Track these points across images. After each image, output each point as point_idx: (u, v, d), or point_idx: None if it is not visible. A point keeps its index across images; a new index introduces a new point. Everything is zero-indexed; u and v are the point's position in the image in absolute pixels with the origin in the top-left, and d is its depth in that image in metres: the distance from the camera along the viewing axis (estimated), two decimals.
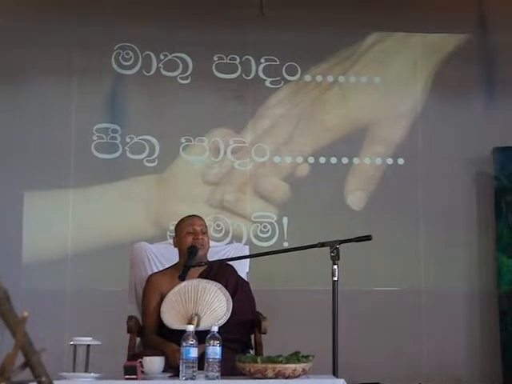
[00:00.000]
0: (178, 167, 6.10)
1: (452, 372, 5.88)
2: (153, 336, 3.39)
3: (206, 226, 3.64)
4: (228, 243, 5.19)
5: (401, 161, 6.19)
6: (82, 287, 5.71)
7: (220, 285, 3.39)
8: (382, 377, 5.66)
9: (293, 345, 3.18)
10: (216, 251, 3.91)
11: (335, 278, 3.17)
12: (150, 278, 3.57)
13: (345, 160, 6.17)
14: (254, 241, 5.94)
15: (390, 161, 6.20)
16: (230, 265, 3.63)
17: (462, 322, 6.03)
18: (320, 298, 5.41)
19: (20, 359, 1.64)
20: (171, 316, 3.31)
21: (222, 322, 3.21)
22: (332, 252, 3.19)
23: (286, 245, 5.93)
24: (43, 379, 1.63)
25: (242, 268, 3.74)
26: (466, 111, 6.20)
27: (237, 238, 5.88)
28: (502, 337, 5.83)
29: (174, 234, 3.76)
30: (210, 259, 3.66)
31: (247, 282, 3.61)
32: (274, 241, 6.04)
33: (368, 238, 3.29)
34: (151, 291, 3.50)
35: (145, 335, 3.47)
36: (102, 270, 5.74)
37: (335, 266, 3.18)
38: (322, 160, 6.17)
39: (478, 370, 5.96)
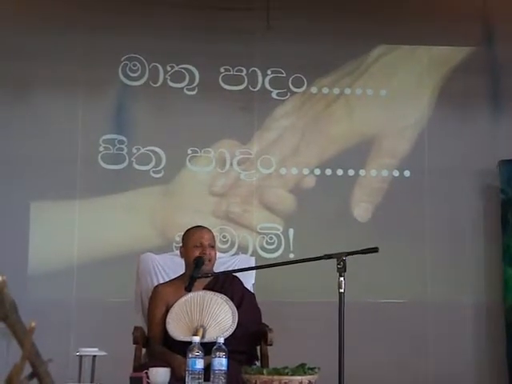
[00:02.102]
0: (184, 178, 6.11)
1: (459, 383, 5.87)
2: (158, 347, 3.39)
3: (214, 240, 3.63)
4: (234, 254, 5.19)
5: (407, 173, 6.19)
6: (88, 298, 5.71)
7: (226, 297, 3.39)
8: None
9: (299, 357, 3.17)
10: (222, 262, 3.90)
11: (341, 290, 3.15)
12: (156, 289, 3.56)
13: (351, 172, 6.17)
14: (260, 252, 5.93)
15: (396, 173, 6.20)
16: (235, 276, 3.63)
17: (467, 335, 6.01)
18: (326, 310, 5.39)
19: (27, 369, 1.64)
20: (177, 327, 3.31)
21: (228, 333, 3.21)
22: (339, 264, 3.18)
23: (291, 256, 5.92)
24: None
25: (248, 279, 3.73)
26: (472, 124, 6.20)
27: (242, 250, 5.88)
28: (508, 349, 5.81)
29: (180, 244, 3.75)
30: (215, 270, 3.65)
31: (253, 294, 3.60)
32: (279, 252, 6.03)
33: (375, 250, 3.28)
34: (157, 301, 3.50)
35: (150, 346, 3.46)
36: (107, 281, 5.73)
37: (342, 278, 3.16)
38: (328, 172, 6.17)
39: (485, 381, 5.94)
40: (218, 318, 3.29)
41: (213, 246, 3.57)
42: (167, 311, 3.40)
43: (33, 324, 1.64)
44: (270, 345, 3.43)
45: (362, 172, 6.19)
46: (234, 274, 3.62)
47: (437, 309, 5.98)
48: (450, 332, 5.95)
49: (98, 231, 5.94)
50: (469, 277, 6.07)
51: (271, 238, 6.08)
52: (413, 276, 6.03)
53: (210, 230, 3.67)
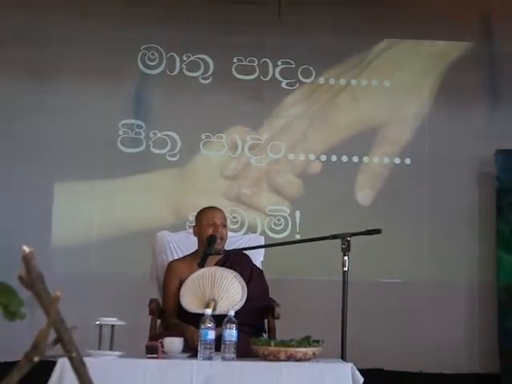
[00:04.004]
0: (197, 162, 6.12)
1: (451, 360, 5.87)
2: (172, 319, 3.40)
3: (225, 219, 3.63)
4: (243, 234, 5.20)
5: (408, 161, 6.18)
6: (106, 272, 5.75)
7: (236, 273, 3.40)
8: (384, 363, 5.66)
9: (303, 330, 3.19)
10: (233, 241, 3.91)
11: (345, 269, 3.16)
12: (171, 264, 3.57)
13: (355, 159, 6.16)
14: (268, 233, 5.93)
15: (397, 160, 6.18)
16: (245, 254, 3.63)
17: (462, 313, 6.01)
18: (329, 288, 5.43)
19: (52, 335, 1.64)
20: (190, 300, 3.32)
21: (238, 307, 3.22)
22: (343, 244, 3.18)
23: (297, 237, 5.92)
24: (74, 355, 1.64)
25: (257, 257, 3.74)
26: (471, 115, 6.18)
27: (252, 230, 5.89)
28: (499, 327, 5.81)
29: (194, 224, 3.75)
30: (227, 249, 3.66)
31: (261, 270, 3.61)
32: (286, 233, 6.04)
33: (378, 231, 3.28)
34: (171, 276, 3.51)
35: (165, 318, 3.48)
36: (124, 256, 5.76)
37: (346, 257, 3.17)
38: (334, 158, 6.16)
39: (477, 359, 5.94)
40: (229, 292, 3.31)
41: (225, 225, 3.58)
42: (181, 285, 3.41)
43: (58, 293, 1.65)
44: (277, 318, 3.44)
45: (365, 159, 6.18)
46: (244, 252, 3.62)
47: (433, 288, 5.98)
48: (444, 310, 5.95)
49: (117, 210, 5.97)
50: (464, 259, 6.07)
51: (279, 220, 6.08)
52: (411, 257, 6.04)
53: (221, 210, 3.67)
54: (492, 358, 5.83)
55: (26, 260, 1.63)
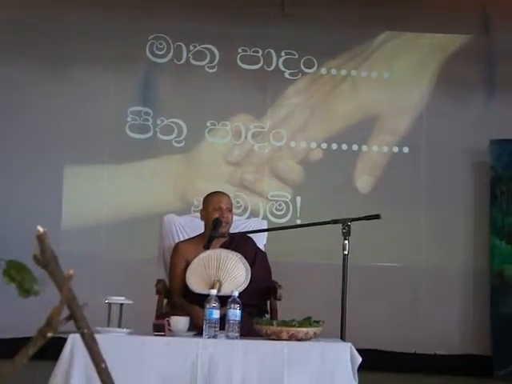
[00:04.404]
0: (203, 148, 6.11)
1: (445, 341, 5.88)
2: (179, 299, 3.40)
3: (231, 204, 3.61)
4: (246, 218, 5.19)
5: (405, 149, 6.17)
6: (114, 253, 5.76)
7: (240, 255, 3.39)
8: (381, 343, 5.67)
9: (303, 312, 3.18)
10: (237, 225, 3.90)
11: (346, 252, 3.15)
12: (178, 246, 3.56)
13: (354, 147, 6.15)
14: (270, 217, 5.93)
15: (395, 149, 6.17)
16: (249, 237, 3.62)
17: (456, 297, 6.01)
18: (328, 271, 5.44)
19: (65, 312, 1.64)
20: (195, 281, 3.31)
21: (242, 288, 3.21)
22: (344, 229, 3.17)
23: (298, 222, 5.93)
24: (85, 331, 1.64)
25: (261, 241, 3.73)
26: (467, 106, 6.15)
27: (254, 214, 5.89)
28: (492, 311, 5.82)
29: (201, 207, 3.74)
30: (231, 232, 3.64)
31: (265, 253, 3.59)
32: (287, 218, 6.04)
33: (377, 216, 3.27)
34: (178, 258, 3.49)
35: (171, 297, 3.47)
36: (132, 238, 5.78)
37: (346, 242, 3.16)
38: (334, 146, 6.15)
39: (470, 341, 5.95)
40: (233, 273, 3.30)
41: (230, 210, 3.56)
42: (187, 266, 3.41)
43: (71, 272, 1.64)
44: (279, 300, 3.44)
45: (364, 147, 6.17)
46: (248, 235, 3.61)
47: (429, 272, 5.98)
48: (439, 294, 5.96)
49: (124, 193, 5.98)
50: (459, 245, 6.07)
51: (280, 205, 6.08)
52: (408, 242, 6.04)
53: (228, 195, 3.65)
54: (484, 340, 5.85)
55: (41, 240, 1.63)
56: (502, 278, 5.80)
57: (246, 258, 3.38)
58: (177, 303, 3.39)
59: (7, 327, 5.29)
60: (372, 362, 2.80)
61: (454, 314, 5.96)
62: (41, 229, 1.61)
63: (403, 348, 5.81)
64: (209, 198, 3.59)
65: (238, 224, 3.95)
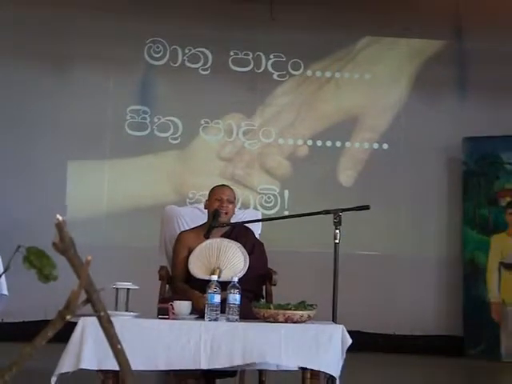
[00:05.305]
0: (197, 145, 6.06)
1: (422, 323, 5.88)
2: (181, 284, 3.34)
3: (233, 197, 3.53)
4: (238, 209, 5.13)
5: (385, 146, 6.15)
6: (115, 243, 5.70)
7: (239, 244, 3.34)
8: (362, 326, 5.64)
9: (295, 296, 3.13)
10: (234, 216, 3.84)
11: (337, 241, 3.11)
12: (181, 235, 3.49)
13: (338, 143, 6.13)
14: (259, 209, 5.88)
15: (376, 145, 6.16)
16: (249, 228, 3.56)
17: (431, 283, 6.02)
18: (314, 259, 5.42)
19: (82, 296, 1.59)
20: (197, 267, 3.26)
21: (241, 275, 3.16)
22: (335, 218, 3.12)
23: (286, 213, 5.90)
24: (102, 314, 1.59)
25: (256, 230, 3.67)
26: (442, 106, 6.16)
27: (245, 206, 5.84)
28: (464, 295, 5.83)
29: (206, 198, 3.68)
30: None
31: (262, 243, 3.53)
32: (276, 209, 6.01)
33: (367, 207, 3.23)
34: (181, 245, 3.43)
35: (174, 283, 3.42)
36: (131, 229, 5.74)
37: (337, 231, 3.11)
38: (319, 143, 6.13)
39: (443, 322, 5.96)
40: (233, 261, 3.25)
41: (231, 202, 3.48)
42: (189, 254, 3.35)
43: (89, 257, 1.60)
44: (274, 285, 3.39)
45: (347, 144, 6.15)
46: (247, 226, 3.55)
47: (407, 260, 5.98)
48: (416, 280, 5.95)
49: (124, 187, 5.93)
50: (434, 235, 6.07)
51: (269, 198, 6.05)
52: (388, 232, 6.03)
53: (230, 188, 3.58)
54: (457, 321, 5.85)
55: (59, 228, 1.58)
56: (473, 265, 5.80)
57: (244, 247, 3.32)
58: (179, 288, 3.33)
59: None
60: (354, 342, 2.77)
61: (429, 298, 5.97)
62: (60, 217, 1.56)
63: (383, 330, 5.80)
64: (213, 190, 3.52)
65: (235, 215, 3.89)
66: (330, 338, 2.78)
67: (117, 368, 1.51)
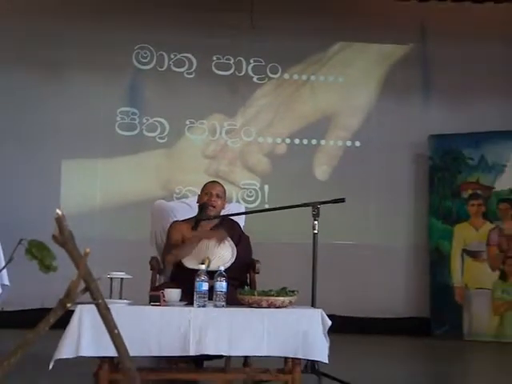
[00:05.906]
0: (183, 144, 6.04)
1: (392, 307, 5.92)
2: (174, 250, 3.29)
3: (222, 192, 3.50)
4: None
5: (357, 143, 6.18)
6: (108, 236, 5.66)
7: (228, 237, 3.33)
8: (337, 310, 5.64)
9: (277, 283, 3.13)
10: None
11: (315, 232, 3.12)
12: (175, 224, 3.45)
13: (314, 141, 6.14)
14: (242, 202, 5.87)
15: (349, 143, 6.18)
16: (236, 222, 3.55)
17: (401, 270, 6.06)
18: (293, 249, 5.42)
19: (81, 285, 1.59)
20: (188, 258, 3.25)
21: (228, 265, 3.16)
22: (313, 211, 3.13)
23: (266, 206, 5.88)
24: (100, 301, 1.58)
25: (240, 222, 3.67)
26: (409, 106, 6.19)
27: (228, 200, 5.76)
28: (430, 280, 5.87)
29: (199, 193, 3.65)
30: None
31: (247, 236, 3.51)
32: (257, 203, 6.01)
33: (342, 200, 3.24)
34: (175, 230, 3.37)
35: (164, 272, 3.38)
36: (123, 223, 5.70)
37: (316, 222, 3.12)
38: (296, 141, 6.13)
39: (412, 305, 6.00)
40: (221, 252, 3.24)
41: (220, 197, 3.45)
42: (182, 241, 3.32)
43: (87, 250, 1.59)
44: (257, 273, 3.39)
45: (322, 142, 6.16)
46: (234, 219, 3.53)
47: (377, 249, 6.00)
48: (386, 267, 5.99)
49: (115, 184, 5.90)
50: (402, 225, 6.10)
51: (250, 192, 6.04)
52: (359, 223, 6.05)
53: (220, 184, 3.54)
54: (424, 304, 5.90)
55: (59, 221, 1.57)
56: (438, 253, 5.85)
57: (232, 239, 3.31)
58: (173, 253, 3.28)
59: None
60: (332, 325, 2.78)
61: (398, 283, 6.01)
62: (59, 212, 1.55)
63: (356, 313, 5.83)
64: (205, 185, 3.50)
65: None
66: (310, 321, 2.79)
67: (113, 354, 1.50)
